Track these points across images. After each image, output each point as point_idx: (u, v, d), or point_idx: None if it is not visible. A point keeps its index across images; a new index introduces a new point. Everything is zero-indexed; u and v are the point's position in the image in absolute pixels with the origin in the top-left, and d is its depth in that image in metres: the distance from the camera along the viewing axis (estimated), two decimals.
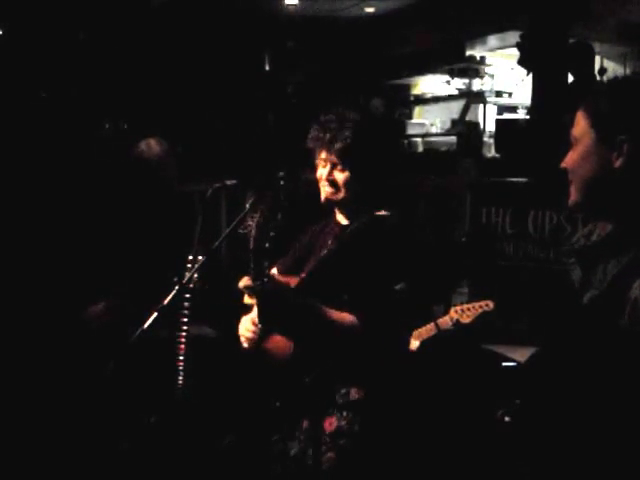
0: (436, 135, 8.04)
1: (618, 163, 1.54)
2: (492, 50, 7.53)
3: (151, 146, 3.08)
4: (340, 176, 2.22)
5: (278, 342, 2.16)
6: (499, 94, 7.66)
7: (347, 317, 2.11)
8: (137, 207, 3.07)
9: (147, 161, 3.06)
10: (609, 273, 1.55)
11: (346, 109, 2.25)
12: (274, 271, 2.29)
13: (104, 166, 4.15)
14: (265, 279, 2.02)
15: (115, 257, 2.98)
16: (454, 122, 7.79)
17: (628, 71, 6.85)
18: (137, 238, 3.00)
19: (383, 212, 2.27)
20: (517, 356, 3.28)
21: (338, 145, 2.19)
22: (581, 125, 1.61)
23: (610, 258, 1.56)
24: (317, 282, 2.19)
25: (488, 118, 7.53)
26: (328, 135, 2.20)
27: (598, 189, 1.59)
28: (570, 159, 1.64)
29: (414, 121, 8.57)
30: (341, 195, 2.24)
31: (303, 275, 2.24)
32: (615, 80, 1.72)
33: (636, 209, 1.55)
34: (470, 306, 3.32)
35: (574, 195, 1.64)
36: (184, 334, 2.70)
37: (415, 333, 3.25)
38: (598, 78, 5.45)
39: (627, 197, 1.56)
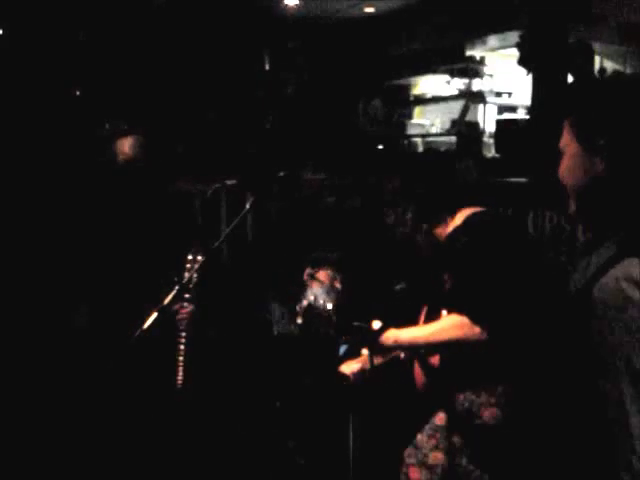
0: (436, 135, 8.03)
1: (601, 168, 1.52)
2: (492, 50, 7.53)
3: (123, 144, 3.13)
4: None
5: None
6: (499, 94, 7.65)
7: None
8: (128, 205, 3.07)
9: (114, 160, 3.10)
10: (588, 273, 1.54)
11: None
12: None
13: (104, 166, 4.15)
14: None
15: (105, 257, 2.97)
16: (454, 122, 7.78)
17: (628, 71, 6.84)
18: (134, 236, 3.00)
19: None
20: None
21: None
22: (565, 135, 1.60)
23: (589, 259, 1.55)
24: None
25: (488, 118, 7.52)
26: None
27: (588, 196, 1.57)
28: (560, 170, 1.62)
29: (414, 121, 8.56)
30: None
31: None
32: (591, 86, 1.70)
33: (617, 212, 1.52)
34: None
35: (571, 204, 1.63)
36: (184, 334, 2.70)
37: None
38: (598, 78, 5.45)
39: (611, 201, 1.53)
